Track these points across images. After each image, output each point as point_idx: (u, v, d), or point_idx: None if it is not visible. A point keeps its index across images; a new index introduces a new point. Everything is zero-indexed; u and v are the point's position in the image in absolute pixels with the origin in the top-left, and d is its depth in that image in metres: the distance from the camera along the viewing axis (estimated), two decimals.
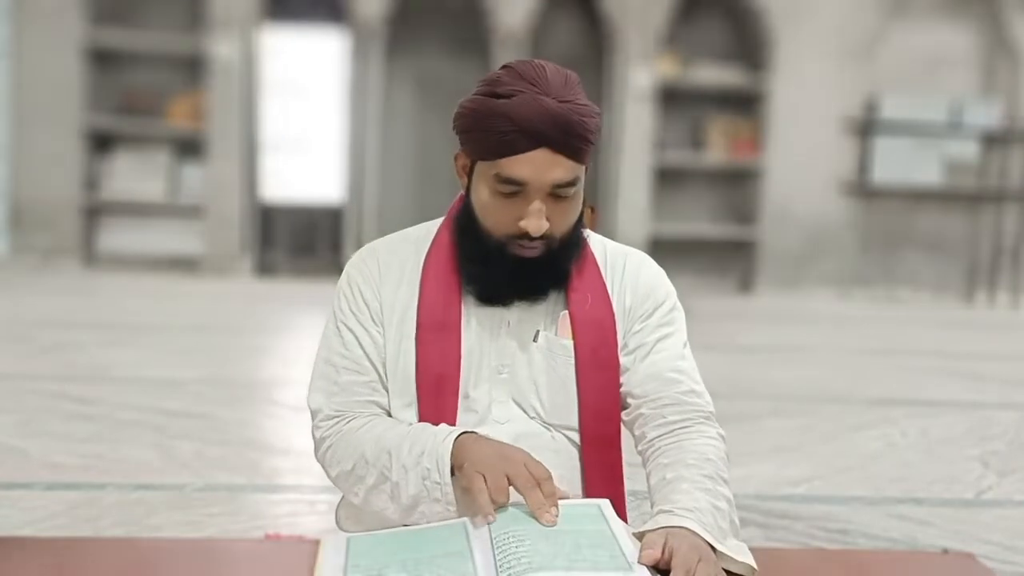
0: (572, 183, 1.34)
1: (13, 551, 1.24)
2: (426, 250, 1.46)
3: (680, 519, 1.19)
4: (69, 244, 9.12)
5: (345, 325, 1.44)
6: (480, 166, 1.36)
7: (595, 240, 1.52)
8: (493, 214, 1.35)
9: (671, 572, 1.10)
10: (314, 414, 1.45)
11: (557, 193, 1.33)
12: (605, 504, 1.22)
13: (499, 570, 1.07)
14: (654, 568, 1.10)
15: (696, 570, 1.10)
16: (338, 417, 1.42)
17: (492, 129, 1.31)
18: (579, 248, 1.43)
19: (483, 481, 1.20)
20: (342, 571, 1.12)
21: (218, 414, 3.80)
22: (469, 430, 1.32)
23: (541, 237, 1.34)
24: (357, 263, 1.49)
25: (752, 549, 1.23)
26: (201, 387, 4.31)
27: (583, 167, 1.36)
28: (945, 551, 1.39)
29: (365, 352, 1.43)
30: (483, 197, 1.36)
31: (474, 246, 1.38)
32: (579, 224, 1.42)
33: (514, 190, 1.32)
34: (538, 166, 1.30)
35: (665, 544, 1.13)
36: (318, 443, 1.44)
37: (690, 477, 1.29)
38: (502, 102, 1.30)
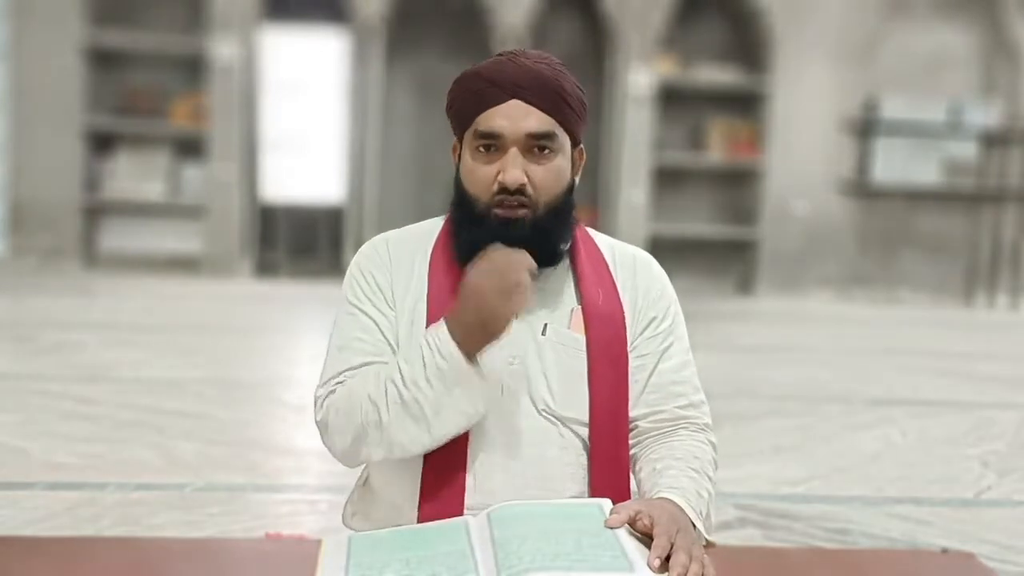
0: (548, 135, 1.37)
1: (13, 551, 1.24)
2: (432, 244, 1.47)
3: (663, 493, 1.27)
4: (69, 244, 9.12)
5: (361, 310, 1.43)
6: (465, 138, 1.41)
7: (600, 238, 1.53)
8: (475, 175, 1.39)
9: (654, 540, 1.13)
10: (316, 401, 1.43)
11: (534, 146, 1.37)
12: (606, 504, 1.22)
13: (500, 569, 1.07)
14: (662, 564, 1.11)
15: (676, 538, 1.14)
16: (332, 390, 1.40)
17: (468, 90, 1.39)
18: (568, 225, 1.43)
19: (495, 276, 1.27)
20: (343, 571, 1.12)
21: (219, 414, 3.80)
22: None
23: (521, 193, 1.36)
24: (368, 252, 1.49)
25: (752, 549, 1.24)
26: (201, 387, 4.31)
27: (560, 125, 1.38)
28: (945, 551, 1.39)
29: (384, 336, 1.42)
30: (467, 162, 1.40)
31: (463, 214, 1.41)
32: (568, 201, 1.42)
33: (491, 143, 1.37)
34: (512, 116, 1.36)
35: (641, 513, 1.17)
36: (320, 425, 1.41)
37: (677, 467, 1.35)
38: (477, 67, 1.41)
